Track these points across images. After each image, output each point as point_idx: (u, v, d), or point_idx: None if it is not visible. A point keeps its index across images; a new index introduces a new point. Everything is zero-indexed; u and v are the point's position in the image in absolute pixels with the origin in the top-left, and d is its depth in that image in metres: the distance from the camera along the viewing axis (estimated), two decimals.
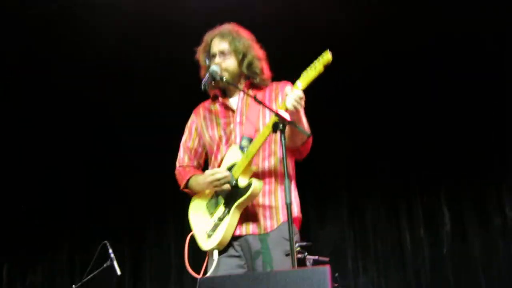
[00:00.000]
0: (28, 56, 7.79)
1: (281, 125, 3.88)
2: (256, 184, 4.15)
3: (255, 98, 4.13)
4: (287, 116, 3.91)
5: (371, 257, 7.59)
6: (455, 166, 7.40)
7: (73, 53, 7.72)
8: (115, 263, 6.07)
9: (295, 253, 3.71)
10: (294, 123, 3.91)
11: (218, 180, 4.23)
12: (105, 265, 6.15)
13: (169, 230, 8.21)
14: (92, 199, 8.43)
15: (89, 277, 6.20)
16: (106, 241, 6.14)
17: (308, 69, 4.02)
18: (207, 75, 4.33)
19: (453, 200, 7.44)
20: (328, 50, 3.98)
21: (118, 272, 6.08)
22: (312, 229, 7.61)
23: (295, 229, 4.29)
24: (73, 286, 6.31)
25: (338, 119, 7.53)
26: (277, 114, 3.92)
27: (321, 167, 7.33)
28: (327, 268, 3.30)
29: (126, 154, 8.22)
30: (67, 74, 7.87)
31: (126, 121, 8.19)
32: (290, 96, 4.00)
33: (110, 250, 6.11)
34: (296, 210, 4.30)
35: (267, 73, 4.48)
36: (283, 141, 3.87)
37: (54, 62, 7.83)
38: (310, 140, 4.28)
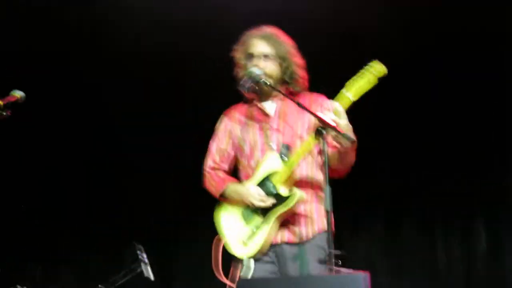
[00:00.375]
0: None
1: (323, 131, 3.91)
2: (300, 195, 4.21)
3: (299, 104, 4.14)
4: (330, 122, 3.92)
5: (404, 273, 7.59)
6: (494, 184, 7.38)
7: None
8: (148, 268, 6.02)
9: (332, 260, 3.72)
10: (336, 130, 3.92)
11: (263, 202, 4.28)
12: (138, 270, 6.10)
13: (200, 231, 8.08)
14: (122, 200, 8.41)
15: (121, 282, 6.16)
16: (136, 243, 6.11)
17: (356, 77, 4.07)
18: (248, 77, 4.32)
19: (490, 218, 7.46)
20: (377, 60, 4.05)
21: (151, 277, 6.01)
22: (344, 244, 7.59)
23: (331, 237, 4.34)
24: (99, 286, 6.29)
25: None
26: (320, 119, 3.93)
27: (355, 179, 7.33)
28: (365, 275, 3.39)
29: (158, 151, 8.16)
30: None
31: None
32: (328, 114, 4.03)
33: (144, 254, 6.07)
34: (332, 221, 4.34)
35: (305, 82, 4.51)
36: (324, 147, 3.89)
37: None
38: (352, 165, 4.34)
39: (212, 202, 4.68)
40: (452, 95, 7.45)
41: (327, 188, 3.80)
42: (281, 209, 4.21)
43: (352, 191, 7.19)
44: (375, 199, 7.71)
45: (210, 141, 4.70)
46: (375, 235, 7.72)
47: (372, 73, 4.01)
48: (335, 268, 3.75)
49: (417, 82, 7.49)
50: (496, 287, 7.22)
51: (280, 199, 4.22)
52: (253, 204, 4.29)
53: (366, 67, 4.04)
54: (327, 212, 3.77)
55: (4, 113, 4.46)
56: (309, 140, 4.16)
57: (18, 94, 4.59)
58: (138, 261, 6.09)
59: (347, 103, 4.07)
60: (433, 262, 7.51)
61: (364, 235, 7.73)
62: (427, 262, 7.50)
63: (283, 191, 4.24)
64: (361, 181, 7.33)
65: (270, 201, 4.22)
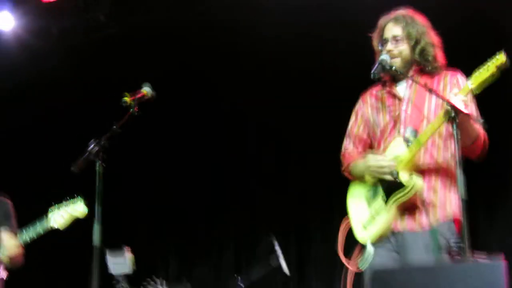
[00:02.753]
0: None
1: (453, 114, 3.89)
2: (416, 181, 4.20)
3: (426, 86, 4.17)
4: (461, 107, 3.92)
5: None
6: None
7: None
8: (283, 262, 6.15)
9: (467, 247, 3.72)
10: (467, 115, 3.93)
11: (381, 167, 4.31)
12: (272, 263, 6.25)
13: (335, 226, 8.08)
14: (256, 195, 8.55)
15: (256, 276, 6.32)
16: (272, 237, 6.24)
17: (481, 69, 4.00)
18: (377, 64, 4.36)
19: None
20: (502, 51, 3.95)
21: (287, 272, 6.14)
22: (481, 233, 7.46)
23: (455, 230, 4.29)
24: (239, 283, 6.47)
25: None
26: (449, 104, 3.93)
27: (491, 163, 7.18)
28: (502, 263, 3.32)
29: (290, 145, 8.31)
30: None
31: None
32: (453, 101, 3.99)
33: (278, 248, 6.21)
34: (456, 210, 4.29)
35: (440, 60, 4.50)
36: (455, 132, 3.89)
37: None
38: (481, 138, 4.27)
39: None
40: None
41: (460, 176, 3.79)
42: (400, 198, 4.22)
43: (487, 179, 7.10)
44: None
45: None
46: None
47: (494, 64, 3.94)
48: (471, 257, 3.73)
49: None
50: None
51: (399, 185, 4.23)
52: (369, 168, 4.35)
53: (492, 59, 3.98)
54: (462, 200, 3.77)
55: (132, 110, 4.62)
56: (432, 124, 4.16)
57: (145, 90, 4.77)
58: (273, 253, 6.20)
59: (466, 91, 4.05)
60: None
61: (499, 224, 7.57)
62: None
63: (404, 177, 4.24)
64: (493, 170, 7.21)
65: (388, 162, 4.25)
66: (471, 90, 4.05)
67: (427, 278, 3.46)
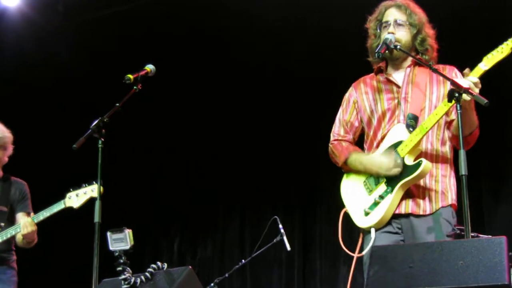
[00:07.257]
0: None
1: (456, 94, 3.96)
2: (426, 163, 4.26)
3: (430, 67, 4.25)
4: (464, 84, 4.01)
5: None
6: None
7: None
8: (285, 238, 6.31)
9: (469, 226, 3.80)
10: (471, 93, 3.98)
11: (388, 170, 4.37)
12: (275, 240, 6.41)
13: (339, 207, 8.09)
14: (261, 175, 8.67)
15: (258, 252, 6.49)
16: (276, 216, 6.39)
17: (494, 51, 4.14)
18: (381, 43, 4.46)
19: None
20: None
21: (288, 247, 6.32)
22: (485, 208, 7.48)
23: (454, 213, 4.42)
24: (243, 260, 6.64)
25: None
26: (453, 82, 4.01)
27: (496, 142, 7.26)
28: (503, 239, 3.36)
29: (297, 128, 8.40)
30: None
31: None
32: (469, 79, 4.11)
33: (280, 225, 6.36)
34: (454, 197, 4.44)
35: (434, 52, 4.63)
36: (458, 110, 3.96)
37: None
38: (478, 130, 4.40)
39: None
40: None
41: (462, 152, 3.87)
42: (406, 178, 4.29)
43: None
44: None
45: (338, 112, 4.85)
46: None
47: (510, 46, 4.09)
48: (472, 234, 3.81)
49: None
50: None
51: (405, 169, 4.31)
52: (378, 174, 4.42)
53: (507, 42, 4.10)
54: (462, 176, 3.84)
55: (135, 87, 4.74)
56: (438, 109, 4.24)
57: (148, 67, 4.91)
58: (277, 232, 6.35)
59: (480, 73, 4.18)
60: None
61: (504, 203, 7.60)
62: None
63: (409, 161, 4.33)
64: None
65: (396, 170, 4.33)
66: (484, 72, 4.17)
67: (426, 254, 3.51)
